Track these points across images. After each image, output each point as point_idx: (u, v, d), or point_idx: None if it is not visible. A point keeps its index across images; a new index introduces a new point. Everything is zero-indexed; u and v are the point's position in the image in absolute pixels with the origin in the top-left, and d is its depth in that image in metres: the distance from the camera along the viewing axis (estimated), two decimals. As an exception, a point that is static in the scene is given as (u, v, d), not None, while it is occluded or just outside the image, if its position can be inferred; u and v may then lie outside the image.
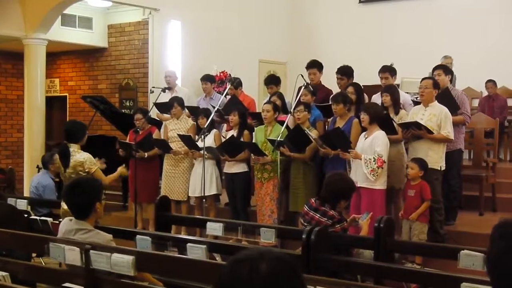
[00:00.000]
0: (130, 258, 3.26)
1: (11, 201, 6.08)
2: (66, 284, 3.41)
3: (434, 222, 5.69)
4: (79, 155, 5.20)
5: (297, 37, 11.62)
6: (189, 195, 7.02)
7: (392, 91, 6.10)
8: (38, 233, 4.56)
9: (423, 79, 5.89)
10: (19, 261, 3.98)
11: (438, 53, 8.63)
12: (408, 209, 5.59)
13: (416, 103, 6.27)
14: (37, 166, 8.08)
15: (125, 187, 8.28)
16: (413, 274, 3.88)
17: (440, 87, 5.92)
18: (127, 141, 7.32)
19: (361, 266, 4.02)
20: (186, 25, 9.73)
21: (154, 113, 7.87)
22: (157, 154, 7.26)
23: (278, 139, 5.89)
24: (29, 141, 8.89)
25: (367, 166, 5.43)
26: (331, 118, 6.35)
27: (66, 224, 3.68)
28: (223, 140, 6.75)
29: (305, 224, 4.61)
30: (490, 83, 9.12)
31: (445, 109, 5.71)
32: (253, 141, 6.52)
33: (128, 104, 10.12)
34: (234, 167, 6.66)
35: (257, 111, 7.52)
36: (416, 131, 5.66)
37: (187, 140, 6.75)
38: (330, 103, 6.19)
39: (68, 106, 11.15)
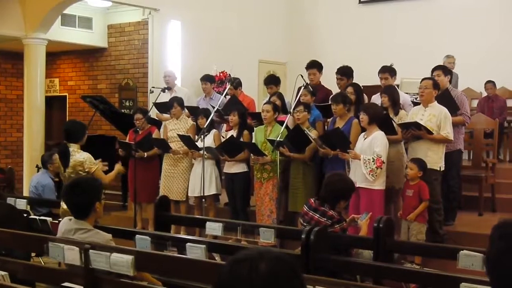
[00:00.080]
0: (129, 258, 3.26)
1: (10, 200, 6.08)
2: (66, 284, 3.41)
3: (433, 223, 5.69)
4: (78, 155, 5.20)
5: (297, 37, 11.62)
6: (189, 195, 7.02)
7: (390, 92, 6.10)
8: (38, 233, 4.56)
9: (423, 79, 5.89)
10: (18, 261, 3.98)
11: (438, 54, 8.63)
12: (406, 209, 5.60)
13: (415, 103, 6.27)
14: (37, 166, 8.08)
15: (124, 187, 8.28)
16: (413, 274, 3.88)
17: (440, 88, 5.92)
18: (127, 141, 7.32)
19: (360, 266, 4.02)
20: (186, 25, 9.73)
21: (153, 113, 7.88)
22: (156, 154, 7.26)
23: (278, 139, 5.89)
24: (29, 140, 8.89)
25: (366, 166, 5.43)
26: (331, 118, 6.36)
27: (66, 224, 3.68)
28: (223, 140, 6.75)
29: (305, 224, 4.61)
30: (490, 84, 9.11)
31: (444, 110, 5.71)
32: (253, 141, 6.52)
33: (127, 104, 10.12)
34: (233, 167, 6.66)
35: (257, 111, 7.52)
36: (416, 132, 5.66)
37: (187, 140, 6.76)
38: (329, 103, 6.19)
39: (67, 106, 11.15)
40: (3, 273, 3.49)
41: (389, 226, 4.35)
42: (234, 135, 6.63)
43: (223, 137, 6.90)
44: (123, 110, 9.81)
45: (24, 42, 8.82)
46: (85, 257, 3.35)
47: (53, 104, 11.15)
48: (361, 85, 6.58)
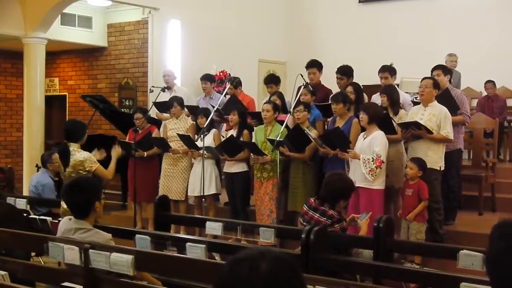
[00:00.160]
0: (129, 258, 3.26)
1: (10, 200, 6.07)
2: (65, 283, 3.41)
3: (433, 222, 5.69)
4: (78, 154, 5.21)
5: (297, 36, 11.62)
6: (189, 194, 7.02)
7: (390, 91, 6.09)
8: (37, 232, 4.55)
9: (423, 78, 5.89)
10: (18, 260, 3.97)
11: (438, 53, 8.63)
12: (406, 209, 5.60)
13: (415, 103, 6.27)
14: (36, 165, 8.07)
15: (124, 187, 8.29)
16: (412, 274, 3.88)
17: (440, 88, 5.92)
18: (127, 140, 7.32)
19: (360, 266, 4.02)
20: (186, 24, 9.72)
21: (153, 112, 7.88)
22: (156, 154, 7.26)
23: (278, 138, 5.89)
24: (29, 140, 8.89)
25: (365, 166, 5.43)
26: (331, 118, 6.35)
27: (66, 223, 3.68)
28: (223, 139, 6.75)
29: (304, 223, 4.61)
30: (490, 83, 9.11)
31: (444, 109, 5.70)
32: (253, 140, 6.52)
33: (127, 103, 10.12)
34: (233, 167, 6.66)
35: (257, 110, 7.52)
36: (416, 131, 5.66)
37: (187, 140, 6.75)
38: (329, 102, 6.19)
39: (67, 105, 11.15)
40: (3, 272, 3.48)
41: (389, 226, 4.34)
42: (234, 135, 6.62)
43: (223, 137, 6.89)
44: (123, 110, 9.80)
45: (24, 42, 8.82)
46: (85, 257, 3.35)
47: (53, 103, 11.14)
48: (361, 85, 6.59)
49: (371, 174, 5.41)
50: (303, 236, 3.87)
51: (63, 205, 4.69)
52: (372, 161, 5.39)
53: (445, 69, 6.43)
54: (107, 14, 10.40)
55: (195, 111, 7.23)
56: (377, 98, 6.41)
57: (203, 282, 3.59)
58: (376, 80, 6.77)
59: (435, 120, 5.66)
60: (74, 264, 3.42)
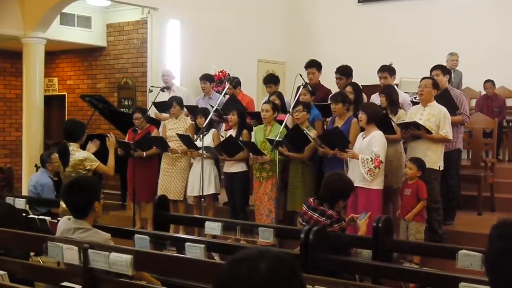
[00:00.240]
0: (128, 257, 3.25)
1: (9, 200, 6.06)
2: (64, 283, 3.41)
3: (432, 222, 5.69)
4: (78, 154, 5.23)
5: (296, 36, 11.62)
6: (188, 194, 7.02)
7: (388, 91, 6.09)
8: (37, 232, 4.55)
9: (422, 78, 5.89)
10: (17, 260, 3.97)
11: (437, 53, 8.63)
12: (404, 209, 5.60)
13: (415, 103, 6.27)
14: (36, 165, 8.07)
15: (123, 186, 8.28)
16: (411, 274, 3.88)
17: (439, 88, 5.92)
18: (126, 140, 7.32)
19: (359, 266, 4.02)
20: (185, 24, 9.72)
21: (152, 112, 7.87)
22: (155, 154, 7.25)
23: (277, 138, 5.89)
24: (28, 140, 8.88)
25: (364, 166, 5.42)
26: (330, 117, 6.35)
27: (65, 223, 3.68)
28: (222, 139, 6.75)
29: (304, 223, 4.61)
30: (489, 83, 9.11)
31: (443, 109, 5.70)
32: (252, 140, 6.51)
33: (126, 103, 10.11)
34: (233, 167, 6.66)
35: (256, 110, 7.52)
36: (415, 131, 5.66)
37: (186, 140, 6.75)
38: (329, 102, 6.19)
39: (66, 105, 11.14)
40: (2, 272, 3.48)
41: (388, 226, 4.35)
42: (233, 135, 6.62)
43: (222, 137, 6.90)
44: (122, 110, 9.80)
45: (23, 41, 8.81)
46: (84, 257, 3.34)
47: (52, 103, 11.13)
48: (360, 85, 6.59)
49: (370, 174, 5.41)
50: (302, 236, 3.86)
51: (62, 205, 4.69)
52: (371, 161, 5.40)
53: (444, 69, 6.42)
54: (106, 14, 10.40)
55: (194, 111, 7.23)
56: (376, 98, 6.41)
57: (202, 282, 3.59)
58: (375, 80, 6.77)
59: (434, 120, 5.66)
60: (73, 264, 3.42)
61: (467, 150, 7.81)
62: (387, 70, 6.58)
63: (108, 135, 5.92)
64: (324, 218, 4.54)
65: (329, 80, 7.19)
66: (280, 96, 6.90)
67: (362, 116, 5.57)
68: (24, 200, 6.38)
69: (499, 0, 10.11)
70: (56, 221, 4.63)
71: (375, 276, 3.99)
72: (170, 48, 9.59)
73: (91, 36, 10.33)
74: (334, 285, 2.96)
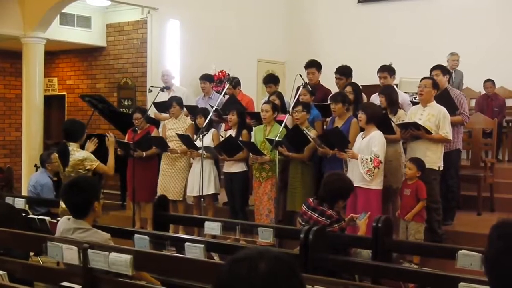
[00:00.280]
0: (128, 257, 3.25)
1: (9, 200, 6.06)
2: (64, 283, 3.40)
3: (432, 222, 5.69)
4: (78, 154, 5.23)
5: (296, 36, 11.62)
6: (188, 194, 7.02)
7: (388, 92, 6.09)
8: (36, 232, 4.55)
9: (422, 78, 5.89)
10: (17, 260, 3.97)
11: (437, 53, 8.63)
12: (404, 209, 5.60)
13: (414, 103, 6.27)
14: (35, 165, 8.07)
15: (123, 186, 8.28)
16: (411, 274, 3.88)
17: (439, 88, 5.92)
18: (126, 140, 7.32)
19: (359, 266, 4.02)
20: (185, 24, 9.72)
21: (152, 112, 7.87)
22: (155, 154, 7.25)
23: (277, 138, 5.89)
24: (27, 140, 8.88)
25: (363, 166, 5.42)
26: (330, 117, 6.36)
27: (64, 223, 3.68)
28: (221, 139, 6.75)
29: (303, 223, 4.61)
30: (489, 82, 9.11)
31: (443, 109, 5.70)
32: (252, 140, 6.51)
33: (126, 103, 10.11)
34: (233, 167, 6.66)
35: (256, 110, 7.52)
36: (415, 132, 5.66)
37: (186, 140, 6.75)
38: (328, 102, 6.19)
39: (66, 105, 11.14)
40: (1, 272, 3.48)
41: (388, 226, 4.34)
42: (233, 135, 6.62)
43: (222, 137, 6.90)
44: (121, 110, 9.80)
45: (23, 41, 8.81)
46: (84, 257, 3.34)
47: (52, 103, 11.13)
48: (360, 85, 6.59)
49: (369, 174, 5.41)
50: (301, 236, 3.86)
51: (62, 205, 4.69)
52: (370, 161, 5.40)
53: (444, 69, 6.42)
54: (106, 14, 10.40)
55: (194, 111, 7.23)
56: (376, 98, 6.41)
57: (202, 282, 3.59)
58: (375, 80, 6.77)
59: (434, 120, 5.66)
60: (73, 264, 3.42)
61: (466, 150, 7.81)
62: (387, 70, 6.58)
63: (107, 134, 5.92)
64: (324, 218, 4.54)
65: (329, 80, 7.19)
66: (280, 96, 6.90)
67: (361, 116, 5.57)
68: (23, 200, 6.38)
69: (499, 0, 10.11)
70: (55, 221, 4.63)
71: (374, 276, 3.99)
72: (170, 48, 9.59)
73: (91, 36, 10.33)
74: (334, 285, 2.96)
